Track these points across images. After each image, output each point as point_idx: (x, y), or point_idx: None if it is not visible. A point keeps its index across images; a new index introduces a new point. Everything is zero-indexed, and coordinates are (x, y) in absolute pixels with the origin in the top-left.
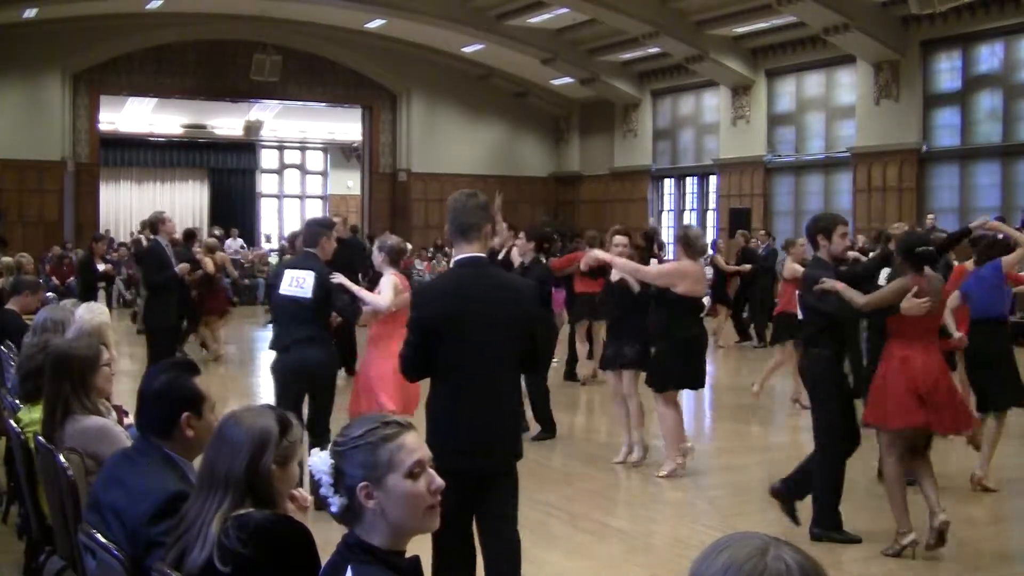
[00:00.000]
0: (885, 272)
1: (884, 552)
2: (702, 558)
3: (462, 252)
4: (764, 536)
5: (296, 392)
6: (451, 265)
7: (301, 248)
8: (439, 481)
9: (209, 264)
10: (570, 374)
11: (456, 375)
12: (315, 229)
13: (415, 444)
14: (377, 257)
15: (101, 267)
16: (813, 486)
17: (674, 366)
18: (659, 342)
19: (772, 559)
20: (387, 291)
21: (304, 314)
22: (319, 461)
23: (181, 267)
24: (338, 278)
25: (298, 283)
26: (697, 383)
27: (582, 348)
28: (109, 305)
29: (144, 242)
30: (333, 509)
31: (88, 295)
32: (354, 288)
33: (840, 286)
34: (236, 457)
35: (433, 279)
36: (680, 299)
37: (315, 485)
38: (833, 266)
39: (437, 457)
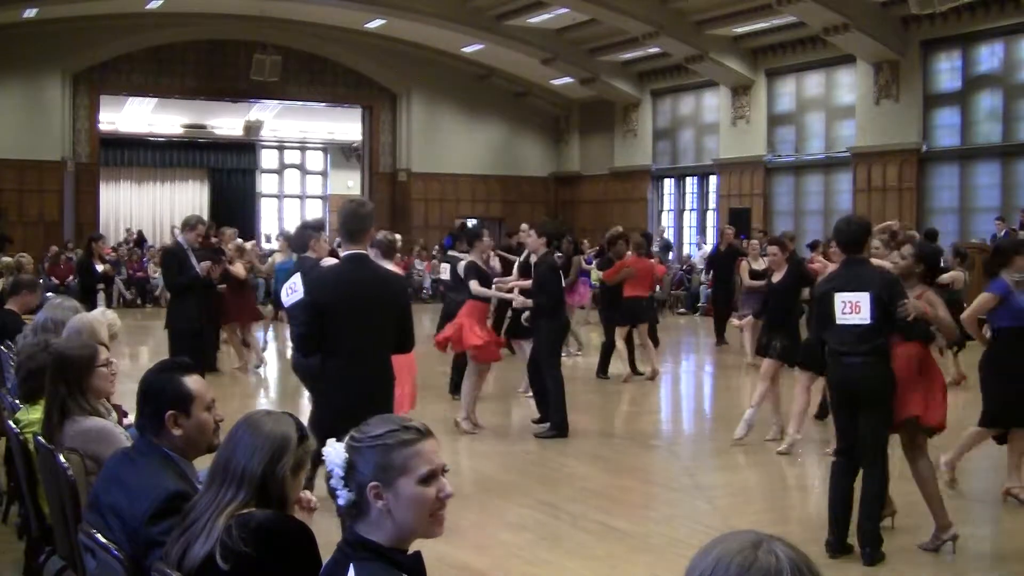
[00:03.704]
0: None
1: (923, 547)
2: (697, 555)
3: (349, 249)
4: (759, 532)
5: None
6: (340, 259)
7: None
8: (449, 489)
9: (240, 270)
10: (603, 370)
11: (342, 349)
12: (302, 232)
13: (431, 451)
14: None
15: (100, 268)
16: (867, 503)
17: None
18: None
19: (763, 552)
20: None
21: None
22: (334, 452)
23: (203, 265)
24: None
25: (292, 289)
26: None
27: (623, 349)
28: (109, 306)
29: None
30: (340, 502)
31: (87, 296)
32: None
33: (927, 308)
34: (255, 456)
35: (324, 270)
36: None
37: (327, 475)
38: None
39: (328, 417)
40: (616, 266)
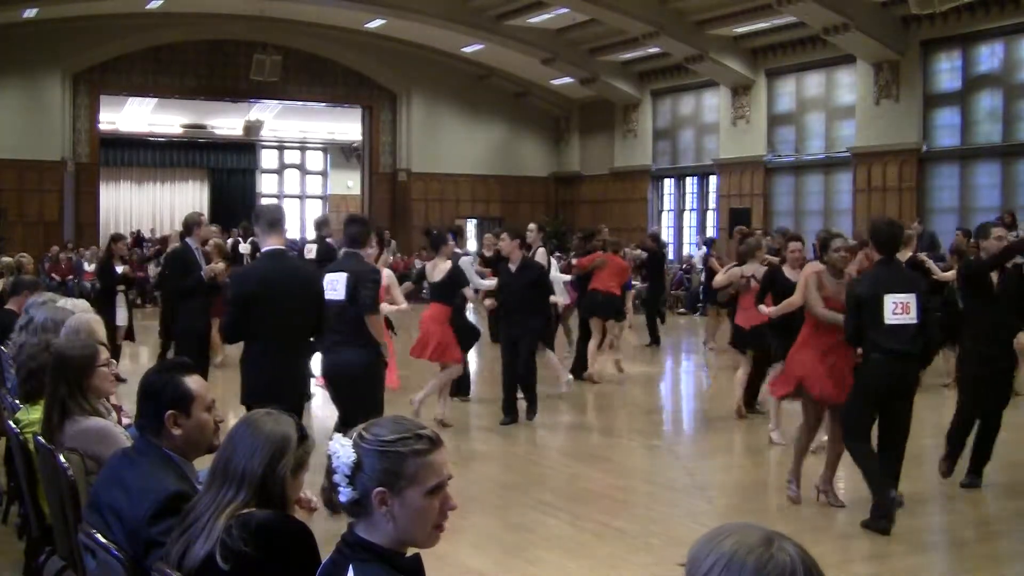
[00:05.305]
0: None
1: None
2: (705, 542)
3: (267, 245)
4: (764, 528)
5: (336, 393)
6: (259, 255)
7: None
8: (453, 503)
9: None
10: (578, 373)
11: (262, 336)
12: (357, 228)
13: (441, 463)
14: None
15: (120, 269)
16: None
17: None
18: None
19: (777, 549)
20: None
21: (340, 316)
22: (342, 451)
23: (208, 268)
24: None
25: (332, 286)
26: None
27: (594, 348)
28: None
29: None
30: (342, 499)
31: (108, 298)
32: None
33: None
34: (255, 457)
35: (247, 265)
36: None
37: (329, 469)
38: None
39: (248, 396)
40: (591, 256)
